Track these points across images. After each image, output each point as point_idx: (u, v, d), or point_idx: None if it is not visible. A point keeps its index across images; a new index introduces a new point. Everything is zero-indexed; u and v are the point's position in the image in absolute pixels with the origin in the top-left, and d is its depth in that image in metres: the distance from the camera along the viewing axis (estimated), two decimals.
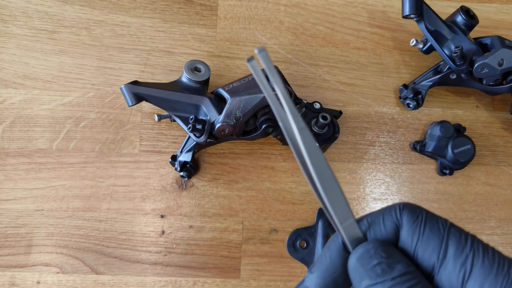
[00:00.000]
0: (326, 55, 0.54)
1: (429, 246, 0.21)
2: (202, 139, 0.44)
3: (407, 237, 0.22)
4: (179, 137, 0.51)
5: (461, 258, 0.20)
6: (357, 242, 0.22)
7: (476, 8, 0.57)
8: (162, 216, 0.49)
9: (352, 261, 0.22)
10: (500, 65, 0.46)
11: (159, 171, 0.50)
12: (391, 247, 0.22)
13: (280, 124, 0.22)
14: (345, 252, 0.22)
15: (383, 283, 0.20)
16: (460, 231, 0.21)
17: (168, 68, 0.52)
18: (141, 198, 0.49)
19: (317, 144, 0.22)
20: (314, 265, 0.23)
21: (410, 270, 0.21)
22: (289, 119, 0.21)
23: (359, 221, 0.23)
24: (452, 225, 0.22)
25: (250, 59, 0.21)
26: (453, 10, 0.50)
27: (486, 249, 0.21)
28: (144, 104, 0.49)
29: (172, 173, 0.50)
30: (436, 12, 0.48)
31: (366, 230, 0.22)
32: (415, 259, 0.22)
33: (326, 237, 0.49)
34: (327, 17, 0.55)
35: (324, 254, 0.23)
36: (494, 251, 0.21)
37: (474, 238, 0.21)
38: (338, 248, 0.23)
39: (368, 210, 0.51)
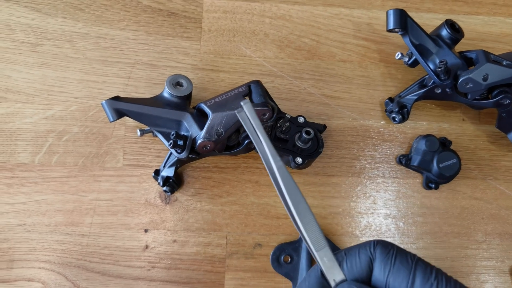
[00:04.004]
0: (311, 68, 0.54)
1: (399, 276, 0.24)
2: (183, 155, 0.44)
3: (380, 269, 0.24)
4: (163, 151, 0.50)
5: (427, 287, 0.23)
6: (333, 273, 0.25)
7: (462, 21, 0.56)
8: (145, 231, 0.49)
9: None
10: (484, 80, 0.46)
11: (143, 185, 0.50)
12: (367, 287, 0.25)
13: (264, 162, 0.28)
14: (323, 281, 0.25)
15: None
16: (426, 264, 0.24)
17: (152, 82, 0.52)
18: (124, 213, 0.49)
19: (292, 179, 0.27)
20: None
21: None
22: (270, 159, 0.27)
23: (337, 253, 0.26)
24: (419, 259, 0.25)
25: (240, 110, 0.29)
26: (439, 22, 0.50)
27: (449, 279, 0.24)
28: (127, 118, 0.49)
29: (155, 187, 0.50)
30: (422, 24, 0.48)
31: (342, 260, 0.25)
32: None
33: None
34: (313, 29, 0.55)
35: (304, 280, 0.26)
36: (456, 282, 0.24)
37: (438, 270, 0.24)
38: (317, 276, 0.25)
39: (353, 224, 0.51)
